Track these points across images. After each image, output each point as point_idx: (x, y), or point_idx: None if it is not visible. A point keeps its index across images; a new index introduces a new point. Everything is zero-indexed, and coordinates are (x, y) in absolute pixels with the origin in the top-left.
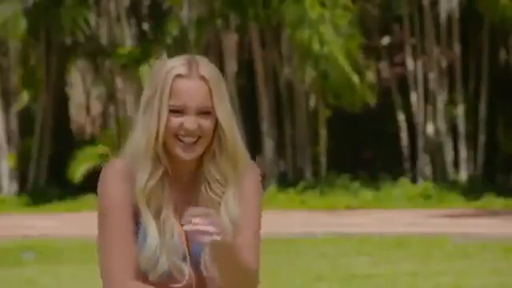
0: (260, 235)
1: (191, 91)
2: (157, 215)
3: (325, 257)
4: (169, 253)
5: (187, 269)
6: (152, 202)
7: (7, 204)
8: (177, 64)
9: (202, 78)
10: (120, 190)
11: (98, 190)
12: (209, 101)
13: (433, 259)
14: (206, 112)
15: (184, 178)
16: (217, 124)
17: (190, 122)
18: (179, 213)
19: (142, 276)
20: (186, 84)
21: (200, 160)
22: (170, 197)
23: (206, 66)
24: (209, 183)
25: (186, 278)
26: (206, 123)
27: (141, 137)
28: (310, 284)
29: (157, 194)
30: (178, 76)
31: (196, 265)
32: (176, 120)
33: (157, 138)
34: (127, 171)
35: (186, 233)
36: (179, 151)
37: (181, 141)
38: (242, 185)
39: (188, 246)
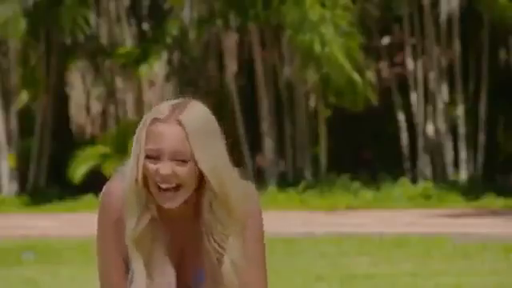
0: (267, 282)
1: (165, 135)
2: (147, 260)
3: (325, 257)
4: None
5: None
6: (141, 248)
7: (7, 204)
8: (161, 107)
9: (179, 122)
10: (113, 232)
11: (98, 213)
12: (186, 147)
13: (433, 259)
14: (181, 159)
15: (180, 223)
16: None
17: (164, 167)
18: (175, 254)
19: None
20: (160, 128)
21: (194, 209)
22: (163, 242)
23: (189, 110)
24: (211, 233)
25: None
26: (183, 170)
27: (126, 183)
28: (310, 284)
29: (146, 240)
30: (155, 119)
31: None
32: (152, 166)
33: (137, 183)
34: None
35: (177, 275)
36: (159, 199)
37: (160, 188)
38: (244, 234)
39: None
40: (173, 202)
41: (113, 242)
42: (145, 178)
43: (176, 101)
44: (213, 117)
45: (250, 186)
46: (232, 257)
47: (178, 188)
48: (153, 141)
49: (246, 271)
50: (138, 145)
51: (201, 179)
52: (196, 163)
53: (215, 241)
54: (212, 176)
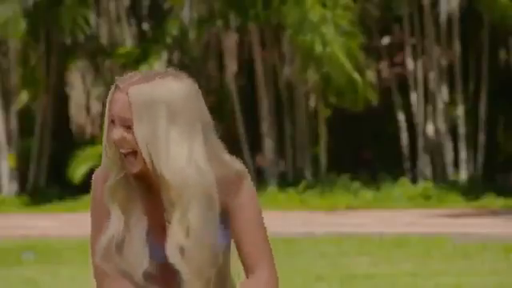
0: (270, 245)
1: (115, 102)
2: (123, 211)
3: (325, 257)
4: (139, 257)
5: (146, 259)
6: (117, 198)
7: (7, 204)
8: (129, 75)
9: (126, 92)
10: (99, 193)
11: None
12: (128, 114)
13: (433, 259)
14: (127, 126)
15: (150, 184)
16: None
17: (114, 132)
18: (150, 213)
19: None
20: (115, 95)
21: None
22: (138, 197)
23: (147, 83)
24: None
25: (144, 266)
26: (130, 137)
27: (104, 145)
28: (310, 284)
29: (121, 191)
30: (115, 87)
31: (162, 258)
32: (109, 131)
33: (109, 146)
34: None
35: (149, 227)
36: (123, 163)
37: (122, 154)
38: (235, 200)
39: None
40: (132, 167)
41: (101, 213)
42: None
43: (154, 72)
44: (179, 99)
45: (233, 161)
46: (177, 229)
47: (135, 154)
48: (109, 106)
49: (246, 232)
50: (106, 110)
51: None
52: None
53: (168, 217)
54: (143, 148)
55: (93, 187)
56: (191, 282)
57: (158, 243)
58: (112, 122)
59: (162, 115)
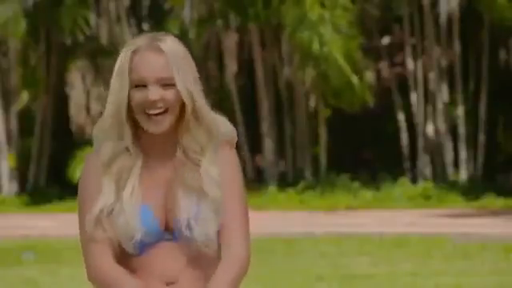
0: (247, 217)
1: (150, 63)
2: (116, 182)
3: (325, 257)
4: (138, 223)
5: (165, 235)
6: (111, 170)
7: (7, 204)
8: (137, 41)
9: (160, 50)
10: (93, 172)
11: (81, 172)
12: (169, 72)
13: (433, 259)
14: (168, 84)
15: (158, 154)
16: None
17: (152, 93)
18: (159, 185)
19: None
20: (143, 57)
21: (174, 135)
22: (135, 169)
23: (166, 41)
24: (185, 152)
25: (165, 243)
26: (169, 94)
27: (105, 114)
28: (310, 284)
29: (117, 163)
30: (136, 50)
31: (178, 236)
32: (140, 94)
33: (119, 113)
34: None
35: (164, 203)
36: (147, 125)
37: (148, 115)
38: (219, 161)
39: (170, 219)
40: (160, 126)
41: (92, 190)
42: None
43: (148, 34)
44: (185, 48)
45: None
46: (206, 170)
47: (165, 112)
48: (137, 70)
49: (224, 202)
50: (120, 76)
51: (181, 106)
52: (175, 86)
53: (189, 157)
54: (188, 97)
55: (85, 166)
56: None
57: (156, 216)
58: (140, 86)
59: (192, 66)
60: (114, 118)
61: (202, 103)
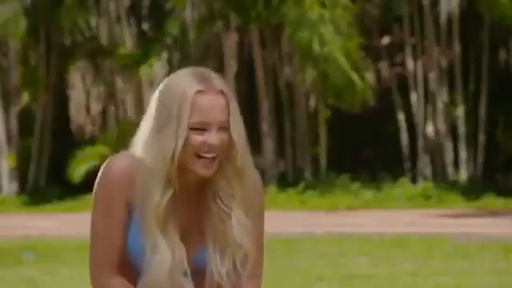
0: (263, 265)
1: (213, 107)
2: (164, 234)
3: (325, 257)
4: (165, 266)
5: (189, 284)
6: (160, 222)
7: (7, 204)
8: (193, 80)
9: (221, 92)
10: (119, 181)
11: (98, 178)
12: (227, 116)
13: (433, 259)
14: (224, 127)
15: (192, 196)
16: (230, 139)
17: (214, 138)
18: (185, 229)
19: (129, 268)
20: (206, 99)
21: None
22: (176, 215)
23: (219, 80)
24: (219, 196)
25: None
26: (226, 138)
27: (155, 157)
28: (310, 284)
29: (165, 214)
30: (198, 92)
31: (199, 276)
32: (198, 137)
33: (172, 158)
34: (131, 168)
35: (186, 247)
36: (199, 169)
37: (202, 158)
38: (249, 204)
39: (189, 260)
40: (210, 170)
41: (117, 205)
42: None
43: (194, 70)
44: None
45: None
46: (238, 216)
47: (216, 157)
48: (199, 113)
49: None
50: (178, 119)
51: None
52: (230, 129)
53: (222, 201)
54: (240, 141)
55: (113, 175)
56: None
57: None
58: (196, 129)
59: (238, 108)
60: (165, 164)
61: (246, 149)
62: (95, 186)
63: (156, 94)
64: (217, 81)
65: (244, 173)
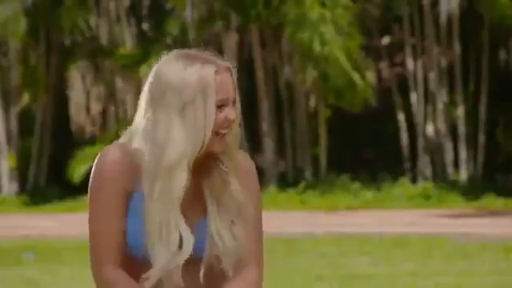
0: (263, 242)
1: (229, 84)
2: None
3: (325, 257)
4: (165, 254)
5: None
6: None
7: (7, 204)
8: (208, 58)
9: (228, 69)
10: (113, 171)
11: (92, 172)
12: (236, 91)
13: (433, 259)
14: (234, 102)
15: (196, 171)
16: None
17: (232, 113)
18: (186, 201)
19: (129, 259)
20: (224, 77)
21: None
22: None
23: (221, 58)
24: (219, 159)
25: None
26: (238, 112)
27: (184, 144)
28: (310, 284)
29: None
30: (217, 71)
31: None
32: (221, 114)
33: (204, 139)
34: (126, 156)
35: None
36: (216, 145)
37: (219, 135)
38: (242, 182)
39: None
40: (223, 145)
41: (114, 196)
42: None
43: (204, 51)
44: None
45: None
46: (235, 182)
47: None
48: (220, 91)
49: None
50: (204, 99)
51: None
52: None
53: (223, 163)
54: (238, 122)
55: (108, 166)
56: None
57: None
58: (219, 106)
59: None
60: (196, 148)
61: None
62: (90, 180)
63: (157, 83)
64: (221, 59)
65: (236, 144)
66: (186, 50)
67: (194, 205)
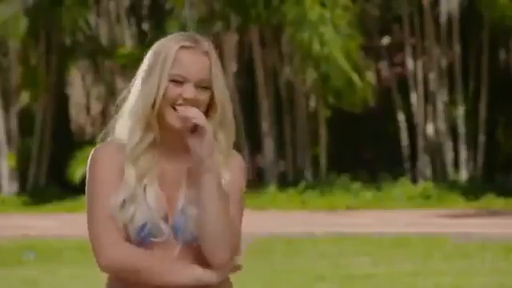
0: (240, 227)
1: (194, 63)
2: (140, 178)
3: (325, 257)
4: (144, 210)
5: (166, 228)
6: (138, 166)
7: (7, 204)
8: (182, 37)
9: (206, 53)
10: (110, 160)
11: (88, 165)
12: (208, 75)
13: (433, 259)
14: (204, 86)
15: (177, 149)
16: (213, 97)
17: (189, 91)
18: (167, 181)
19: (127, 239)
20: (189, 55)
21: None
22: (157, 164)
23: (207, 43)
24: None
25: (166, 234)
26: (203, 97)
27: (136, 104)
28: (310, 284)
29: (143, 159)
30: (183, 47)
31: (177, 230)
32: (175, 89)
33: (153, 105)
34: (119, 151)
35: (167, 196)
36: (173, 120)
37: (175, 108)
38: (231, 167)
39: (170, 213)
40: (183, 121)
41: (112, 184)
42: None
43: (189, 33)
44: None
45: None
46: (222, 174)
47: None
48: (179, 66)
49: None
50: (160, 68)
51: (207, 108)
52: (212, 88)
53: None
54: (221, 105)
55: (98, 159)
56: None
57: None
58: (176, 81)
59: (222, 73)
60: (146, 109)
61: (230, 110)
62: (87, 173)
63: (147, 55)
64: (204, 42)
65: (229, 131)
66: (183, 32)
67: (174, 190)
